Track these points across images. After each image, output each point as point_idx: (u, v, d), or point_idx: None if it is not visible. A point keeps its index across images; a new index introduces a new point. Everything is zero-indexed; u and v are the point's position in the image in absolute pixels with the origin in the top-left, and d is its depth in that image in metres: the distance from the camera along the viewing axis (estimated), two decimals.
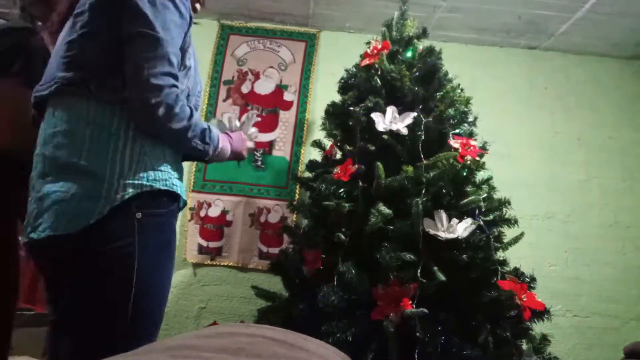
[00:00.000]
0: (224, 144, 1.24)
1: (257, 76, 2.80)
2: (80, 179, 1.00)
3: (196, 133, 1.11)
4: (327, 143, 2.06)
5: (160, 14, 1.04)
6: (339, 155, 2.00)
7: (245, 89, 2.78)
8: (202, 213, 2.62)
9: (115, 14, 1.04)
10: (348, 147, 1.90)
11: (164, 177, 1.08)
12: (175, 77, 1.06)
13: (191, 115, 1.09)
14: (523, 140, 2.79)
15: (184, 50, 1.12)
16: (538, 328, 1.54)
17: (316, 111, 2.72)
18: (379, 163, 1.61)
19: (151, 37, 1.02)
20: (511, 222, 1.64)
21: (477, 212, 1.59)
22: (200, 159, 1.28)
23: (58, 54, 1.09)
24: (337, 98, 2.04)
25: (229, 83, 2.79)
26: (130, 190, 1.01)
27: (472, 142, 1.69)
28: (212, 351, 0.45)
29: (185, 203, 1.20)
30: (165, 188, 1.07)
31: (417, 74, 1.85)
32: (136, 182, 1.03)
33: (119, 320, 1.01)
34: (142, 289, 1.02)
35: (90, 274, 1.00)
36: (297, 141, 2.69)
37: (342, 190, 1.71)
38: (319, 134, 2.21)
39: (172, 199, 1.10)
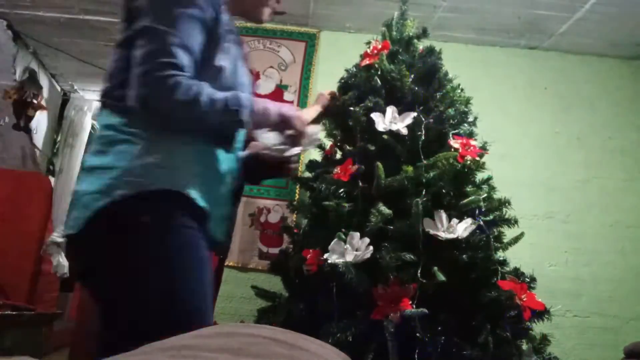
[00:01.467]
0: (262, 104, 1.07)
1: (257, 76, 2.80)
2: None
3: (214, 106, 0.98)
4: (327, 143, 2.05)
5: (166, 5, 0.97)
6: (338, 155, 2.00)
7: None
8: None
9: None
10: (348, 147, 1.89)
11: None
12: (178, 67, 0.95)
13: (199, 91, 0.96)
14: (523, 140, 2.79)
15: (210, 48, 1.04)
16: (538, 328, 1.54)
17: None
18: (378, 163, 1.60)
19: (151, 31, 0.95)
20: (511, 222, 1.64)
21: (477, 212, 1.59)
22: (232, 139, 1.13)
23: None
24: None
25: None
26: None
27: (472, 142, 1.69)
28: (212, 351, 0.45)
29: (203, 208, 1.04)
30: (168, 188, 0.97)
31: (414, 75, 1.85)
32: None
33: None
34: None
35: None
36: None
37: (342, 190, 1.71)
38: None
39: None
